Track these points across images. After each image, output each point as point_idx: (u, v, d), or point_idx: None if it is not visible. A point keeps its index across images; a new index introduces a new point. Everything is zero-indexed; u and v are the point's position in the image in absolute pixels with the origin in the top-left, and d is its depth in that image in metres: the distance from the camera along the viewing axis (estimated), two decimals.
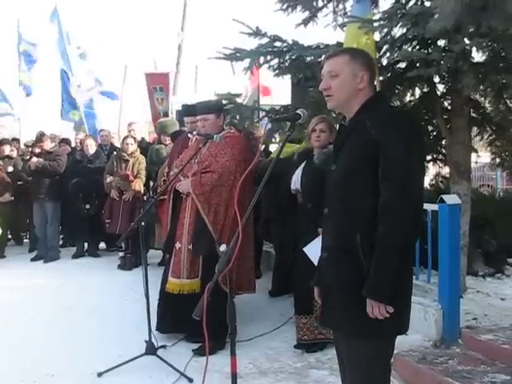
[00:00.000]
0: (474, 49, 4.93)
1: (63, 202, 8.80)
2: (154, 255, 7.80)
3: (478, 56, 5.22)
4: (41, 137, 8.82)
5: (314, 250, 4.13)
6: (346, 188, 2.40)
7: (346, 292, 2.34)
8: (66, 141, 10.34)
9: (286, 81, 6.20)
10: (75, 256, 8.84)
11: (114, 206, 8.13)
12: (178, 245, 4.88)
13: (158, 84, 10.66)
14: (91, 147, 8.88)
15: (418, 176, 2.35)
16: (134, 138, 8.70)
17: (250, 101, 8.12)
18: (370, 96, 2.46)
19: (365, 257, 2.27)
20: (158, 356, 4.36)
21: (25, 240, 10.53)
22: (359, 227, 2.31)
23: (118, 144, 9.85)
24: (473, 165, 6.51)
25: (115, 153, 8.59)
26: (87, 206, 8.53)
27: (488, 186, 14.44)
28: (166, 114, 10.56)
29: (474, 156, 6.84)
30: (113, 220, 8.08)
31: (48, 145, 8.84)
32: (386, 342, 2.42)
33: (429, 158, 6.88)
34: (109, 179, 8.15)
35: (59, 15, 12.85)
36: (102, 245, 9.49)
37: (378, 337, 2.34)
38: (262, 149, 7.18)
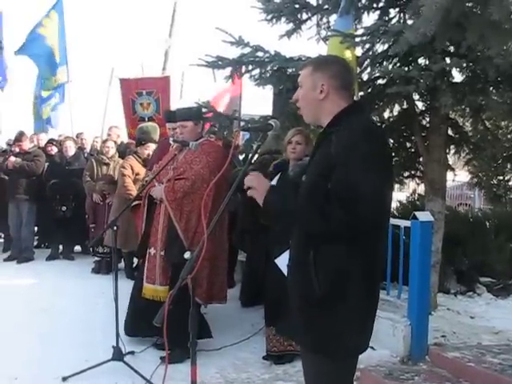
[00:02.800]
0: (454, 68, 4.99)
1: (40, 204, 8.71)
2: None
3: (458, 76, 5.28)
4: (20, 136, 8.72)
5: (285, 262, 4.11)
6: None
7: (299, 305, 2.31)
8: (51, 141, 10.13)
9: None
10: (49, 258, 8.76)
11: (98, 211, 8.07)
12: (152, 251, 4.86)
13: (147, 88, 10.46)
14: (70, 149, 8.81)
15: (365, 202, 2.08)
16: (115, 142, 8.67)
17: (229, 110, 8.12)
18: (343, 106, 2.36)
19: (316, 273, 2.20)
20: (124, 362, 4.32)
21: None
22: (314, 242, 2.24)
23: None
24: (451, 183, 6.57)
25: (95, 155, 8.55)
26: (63, 208, 8.45)
27: (466, 204, 14.58)
28: (150, 119, 10.43)
29: (451, 174, 6.91)
30: (98, 225, 8.00)
31: (27, 145, 8.75)
32: (336, 361, 2.29)
33: (406, 174, 6.94)
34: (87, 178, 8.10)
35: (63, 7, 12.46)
36: (78, 248, 9.40)
37: (326, 354, 2.26)
38: (241, 158, 7.21)
